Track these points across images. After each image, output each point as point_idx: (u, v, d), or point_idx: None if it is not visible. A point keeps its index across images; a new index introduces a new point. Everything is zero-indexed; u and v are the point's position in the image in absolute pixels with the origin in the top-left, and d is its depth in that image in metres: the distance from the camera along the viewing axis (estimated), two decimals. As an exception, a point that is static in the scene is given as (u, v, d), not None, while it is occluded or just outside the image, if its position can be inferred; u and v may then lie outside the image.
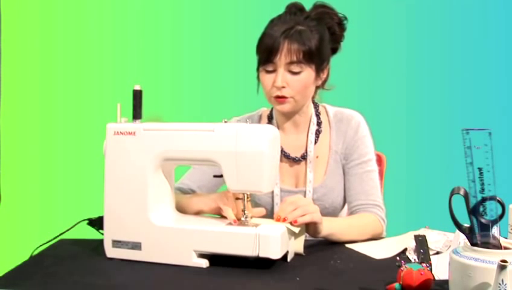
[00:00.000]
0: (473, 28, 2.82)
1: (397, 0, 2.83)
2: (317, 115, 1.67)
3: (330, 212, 1.62)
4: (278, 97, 1.54)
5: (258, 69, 1.57)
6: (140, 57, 2.84)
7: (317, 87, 1.63)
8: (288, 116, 1.64)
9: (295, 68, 1.51)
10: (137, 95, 1.35)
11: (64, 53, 2.85)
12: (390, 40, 2.84)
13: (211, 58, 2.85)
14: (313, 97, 1.66)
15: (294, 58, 1.50)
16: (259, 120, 1.73)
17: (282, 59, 1.51)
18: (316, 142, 1.65)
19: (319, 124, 1.66)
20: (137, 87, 1.36)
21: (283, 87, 1.52)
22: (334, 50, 1.63)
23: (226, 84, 2.81)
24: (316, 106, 1.68)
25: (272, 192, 1.63)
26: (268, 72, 1.54)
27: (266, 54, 1.52)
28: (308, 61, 1.52)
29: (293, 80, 1.52)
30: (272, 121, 1.69)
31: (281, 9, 1.60)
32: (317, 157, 1.65)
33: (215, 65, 2.84)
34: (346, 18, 1.62)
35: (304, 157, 1.65)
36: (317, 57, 1.53)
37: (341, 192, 1.65)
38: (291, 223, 1.29)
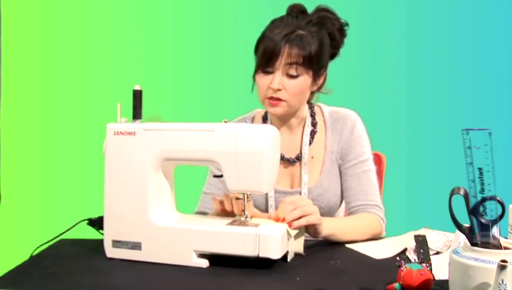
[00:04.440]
0: (473, 28, 2.82)
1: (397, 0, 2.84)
2: (312, 116, 1.66)
3: (326, 212, 1.61)
4: (271, 99, 1.54)
5: (255, 70, 1.57)
6: (140, 57, 2.84)
7: (312, 92, 1.63)
8: (282, 118, 1.63)
9: (293, 72, 1.51)
10: (137, 95, 1.35)
11: (64, 53, 2.85)
12: (391, 39, 2.84)
13: (211, 59, 2.85)
14: (309, 100, 1.66)
15: (293, 63, 1.50)
16: (252, 122, 1.73)
17: (281, 63, 1.50)
18: (311, 143, 1.64)
19: (314, 124, 1.66)
20: (137, 87, 1.36)
21: (279, 89, 1.52)
22: (333, 55, 1.63)
23: (226, 85, 2.81)
24: (311, 106, 1.68)
25: (266, 193, 1.62)
26: (265, 74, 1.53)
27: (266, 57, 1.51)
28: (306, 67, 1.51)
29: (290, 83, 1.52)
30: (267, 122, 1.69)
31: (281, 10, 1.59)
32: (312, 157, 1.64)
33: (215, 65, 2.84)
34: (347, 24, 1.60)
35: (299, 158, 1.64)
36: (315, 63, 1.53)
37: (337, 192, 1.64)
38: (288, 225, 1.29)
